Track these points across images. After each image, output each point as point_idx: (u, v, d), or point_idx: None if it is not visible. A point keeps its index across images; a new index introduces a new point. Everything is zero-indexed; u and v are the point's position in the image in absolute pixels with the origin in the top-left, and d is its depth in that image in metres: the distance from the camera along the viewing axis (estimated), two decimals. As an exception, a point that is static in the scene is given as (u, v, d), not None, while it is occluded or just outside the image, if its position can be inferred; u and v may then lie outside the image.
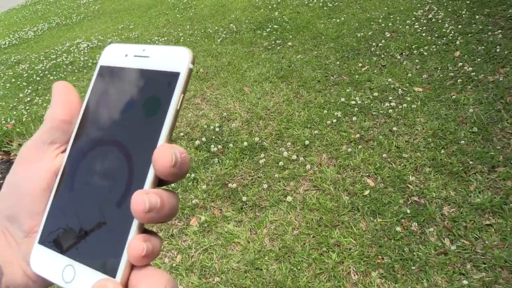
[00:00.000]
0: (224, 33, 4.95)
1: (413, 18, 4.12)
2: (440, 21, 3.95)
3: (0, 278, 0.34)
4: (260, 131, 2.93)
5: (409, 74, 3.19)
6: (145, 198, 0.28)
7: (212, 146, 2.85)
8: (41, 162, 0.34)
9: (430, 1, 4.43)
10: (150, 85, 0.33)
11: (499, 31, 3.56)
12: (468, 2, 4.19)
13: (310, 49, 4.00)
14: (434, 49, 3.49)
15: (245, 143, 2.79)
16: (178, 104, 0.32)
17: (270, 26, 4.75)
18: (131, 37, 5.69)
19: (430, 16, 4.08)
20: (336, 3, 5.01)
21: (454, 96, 2.85)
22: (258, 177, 2.52)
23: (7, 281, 0.34)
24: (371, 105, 2.93)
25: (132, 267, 0.30)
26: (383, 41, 3.80)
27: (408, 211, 2.06)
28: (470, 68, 3.08)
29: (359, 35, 4.03)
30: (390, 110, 2.82)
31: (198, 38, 4.94)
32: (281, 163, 2.54)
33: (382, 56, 3.58)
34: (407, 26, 3.97)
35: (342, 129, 2.75)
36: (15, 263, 0.34)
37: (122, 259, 0.30)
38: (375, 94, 3.03)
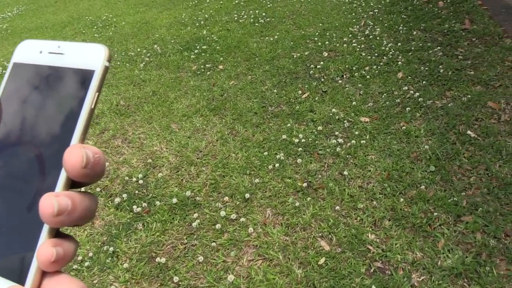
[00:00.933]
0: (147, 55, 4.44)
1: (350, 35, 3.88)
2: (377, 37, 3.74)
3: None
4: (192, 181, 2.49)
5: (353, 102, 2.91)
6: (53, 201, 0.27)
7: (135, 205, 2.37)
8: None
9: (365, 16, 4.23)
10: (64, 83, 0.32)
11: (438, 47, 3.40)
12: (404, 16, 4.03)
13: (244, 73, 3.62)
14: (376, 70, 3.25)
15: (175, 199, 2.34)
16: (93, 103, 0.30)
17: (198, 46, 4.32)
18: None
19: (367, 32, 3.86)
20: (268, 19, 4.68)
21: (404, 127, 2.59)
22: (192, 245, 2.09)
23: None
24: (316, 142, 2.60)
25: (43, 273, 0.29)
26: (321, 62, 3.51)
27: (373, 285, 1.72)
28: (417, 93, 2.86)
29: (295, 55, 3.71)
30: (338, 148, 2.50)
31: (119, 62, 4.39)
32: (218, 226, 2.12)
33: (322, 79, 3.28)
34: (345, 44, 3.72)
35: (287, 175, 2.38)
36: None
37: (32, 265, 0.28)
38: (319, 127, 2.70)
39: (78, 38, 5.68)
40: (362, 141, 2.53)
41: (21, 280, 0.28)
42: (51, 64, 0.33)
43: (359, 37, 3.82)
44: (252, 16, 4.85)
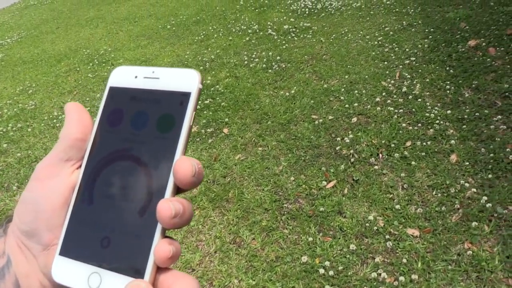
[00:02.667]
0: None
1: (383, 92, 3.18)
2: (418, 97, 3.03)
3: None
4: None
5: (395, 202, 2.20)
6: (171, 205, 0.31)
7: None
8: (58, 178, 0.37)
9: (400, 65, 3.53)
10: (163, 104, 0.36)
11: (499, 116, 2.68)
12: (448, 68, 3.31)
13: (253, 143, 2.94)
14: (421, 148, 2.54)
15: None
16: (191, 121, 0.35)
17: (200, 100, 3.66)
18: (26, 108, 4.40)
19: (404, 88, 3.16)
20: (283, 64, 4.01)
21: (470, 251, 1.87)
22: None
23: None
24: (349, 272, 1.90)
25: (157, 269, 0.32)
26: (349, 132, 2.82)
27: None
28: (482, 195, 2.14)
29: (316, 120, 3.02)
30: (380, 288, 1.79)
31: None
32: None
33: (352, 160, 2.58)
34: (378, 107, 3.01)
35: (309, 333, 1.68)
36: (32, 276, 0.37)
37: (148, 262, 0.32)
38: (352, 246, 2.00)
39: (71, 77, 5.10)
40: (412, 276, 1.81)
41: (139, 275, 0.32)
42: (148, 88, 0.37)
43: (394, 96, 3.11)
44: (265, 59, 4.18)
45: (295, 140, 2.87)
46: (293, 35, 4.65)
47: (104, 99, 0.39)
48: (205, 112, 3.46)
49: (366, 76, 3.43)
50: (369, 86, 3.31)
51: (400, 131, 2.73)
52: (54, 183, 0.36)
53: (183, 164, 0.33)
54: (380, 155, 2.59)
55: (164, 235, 0.33)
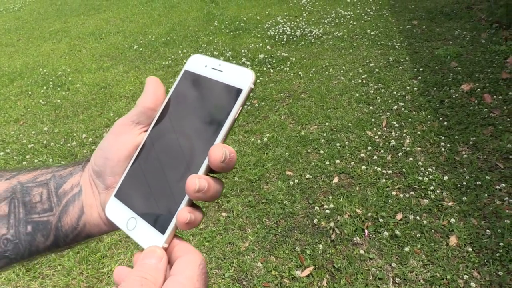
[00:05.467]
0: (92, 148, 3.29)
1: (369, 146, 2.76)
2: (409, 154, 2.63)
3: (81, 216, 0.46)
4: None
5: (387, 306, 1.77)
6: (196, 181, 0.37)
7: None
8: (127, 136, 0.45)
9: (387, 111, 3.13)
10: (219, 94, 0.41)
11: (502, 184, 2.30)
12: (441, 118, 2.93)
13: (217, 204, 2.47)
14: (414, 225, 2.13)
15: None
16: (236, 114, 0.40)
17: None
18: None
19: (392, 141, 2.75)
20: (256, 102, 3.56)
21: None
22: None
23: (85, 218, 0.46)
24: None
25: (176, 229, 0.39)
26: (330, 198, 2.38)
27: None
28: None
29: (291, 178, 2.58)
30: None
31: (51, 159, 3.23)
32: None
33: (332, 237, 2.14)
34: (363, 166, 2.59)
35: None
36: (94, 207, 0.46)
37: (171, 222, 0.39)
38: None
39: (20, 102, 4.54)
40: None
41: (162, 230, 0.39)
42: (212, 77, 0.43)
43: (382, 151, 2.70)
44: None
45: (265, 205, 2.41)
46: (269, 66, 4.23)
47: (179, 78, 0.46)
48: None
49: (349, 124, 3.01)
50: (353, 136, 2.89)
51: (390, 200, 2.31)
52: (124, 139, 0.45)
53: (216, 150, 0.37)
54: (366, 231, 2.15)
55: (190, 204, 0.39)
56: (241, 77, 0.41)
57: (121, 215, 0.43)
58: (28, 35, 7.36)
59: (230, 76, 0.41)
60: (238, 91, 0.40)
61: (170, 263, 0.38)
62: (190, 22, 6.29)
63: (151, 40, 5.71)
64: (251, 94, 0.41)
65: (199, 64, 0.45)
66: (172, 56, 4.96)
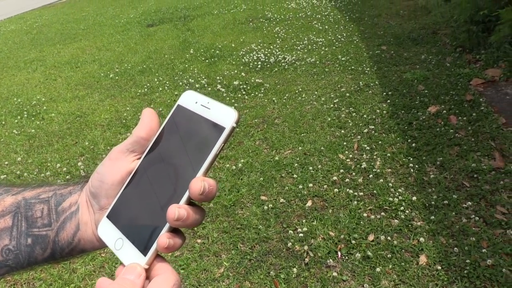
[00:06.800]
0: (67, 178, 3.27)
1: (341, 169, 2.83)
2: (380, 176, 2.70)
3: (76, 232, 0.50)
4: None
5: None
6: (176, 211, 0.41)
7: None
8: (122, 162, 0.49)
9: (358, 134, 3.22)
10: (205, 130, 0.45)
11: (468, 203, 2.38)
12: (410, 140, 3.03)
13: (192, 231, 2.48)
14: (385, 245, 2.17)
15: None
16: (219, 150, 0.43)
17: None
18: None
19: (363, 164, 2.83)
20: (232, 128, 3.61)
21: None
22: None
23: (80, 234, 0.50)
24: None
25: (157, 252, 0.43)
26: (304, 222, 2.42)
27: None
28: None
29: (266, 203, 2.61)
30: None
31: (23, 190, 3.18)
32: None
33: (306, 260, 2.17)
34: (336, 188, 2.65)
35: None
36: (89, 225, 0.50)
37: (153, 246, 0.42)
38: None
39: (-7, 133, 4.46)
40: None
41: (145, 253, 0.43)
42: (200, 114, 0.46)
43: (353, 174, 2.77)
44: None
45: (240, 230, 2.43)
46: (244, 92, 4.30)
47: (172, 112, 0.49)
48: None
49: (322, 148, 3.08)
50: (325, 160, 2.96)
51: (361, 221, 2.36)
52: (119, 165, 0.48)
53: (196, 183, 0.41)
54: (339, 253, 2.19)
55: (171, 230, 0.43)
56: (225, 116, 0.43)
57: (110, 235, 0.46)
58: (2, 65, 7.31)
59: (216, 114, 0.44)
60: (222, 128, 0.43)
61: (148, 279, 0.42)
62: (166, 50, 6.37)
63: (127, 68, 5.75)
64: (234, 132, 0.44)
65: (191, 100, 0.48)
66: (148, 84, 4.99)
